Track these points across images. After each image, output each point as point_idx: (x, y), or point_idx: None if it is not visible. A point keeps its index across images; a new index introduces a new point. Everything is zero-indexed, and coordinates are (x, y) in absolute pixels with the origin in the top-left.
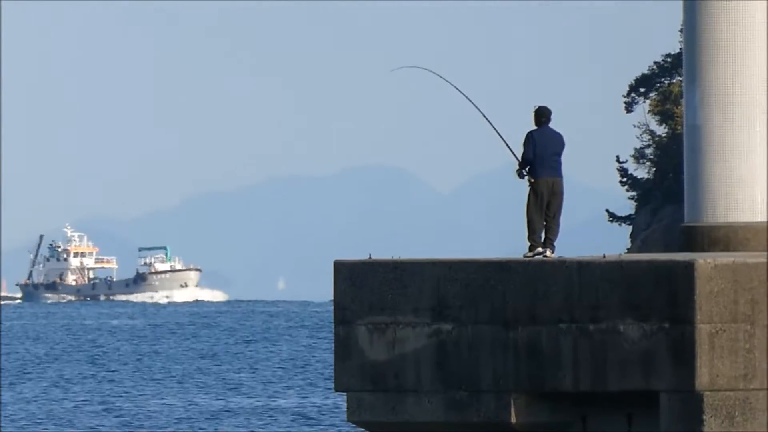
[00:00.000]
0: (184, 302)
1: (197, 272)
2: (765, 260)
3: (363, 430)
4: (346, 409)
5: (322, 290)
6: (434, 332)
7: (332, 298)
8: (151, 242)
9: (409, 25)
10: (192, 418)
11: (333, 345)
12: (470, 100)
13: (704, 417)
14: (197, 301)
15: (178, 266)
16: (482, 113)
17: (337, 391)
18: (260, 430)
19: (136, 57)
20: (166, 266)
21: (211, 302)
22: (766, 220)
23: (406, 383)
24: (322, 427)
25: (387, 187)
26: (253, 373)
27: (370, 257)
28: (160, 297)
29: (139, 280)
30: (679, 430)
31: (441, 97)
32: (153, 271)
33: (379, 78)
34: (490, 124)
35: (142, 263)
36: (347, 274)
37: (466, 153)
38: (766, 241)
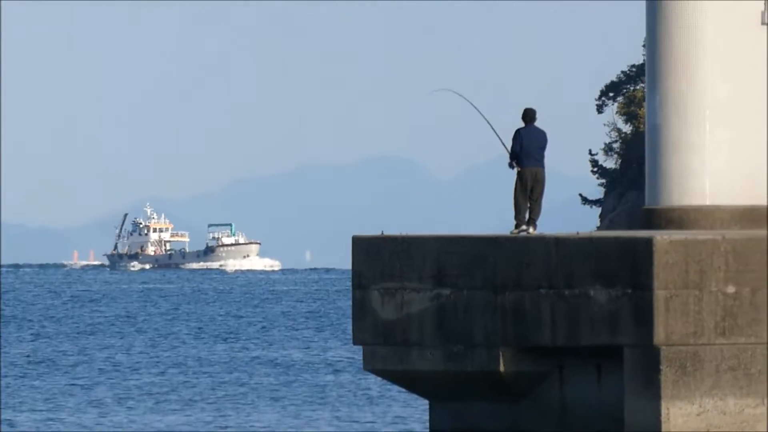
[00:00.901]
0: (249, 270)
1: (257, 245)
2: (711, 237)
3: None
4: (362, 359)
5: (343, 260)
6: (435, 296)
7: (350, 267)
8: (201, 221)
9: (407, 25)
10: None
11: (351, 306)
12: (473, 105)
13: (661, 367)
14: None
15: (241, 240)
16: (483, 116)
17: (355, 344)
18: (294, 377)
19: (159, 55)
20: (231, 240)
21: (268, 270)
22: (712, 204)
23: (411, 338)
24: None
25: (397, 175)
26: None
27: (382, 233)
28: (229, 265)
29: (208, 252)
30: (639, 378)
31: (442, 98)
32: (220, 244)
33: (391, 83)
34: (490, 125)
35: (211, 237)
36: (363, 247)
37: (463, 147)
38: (711, 222)
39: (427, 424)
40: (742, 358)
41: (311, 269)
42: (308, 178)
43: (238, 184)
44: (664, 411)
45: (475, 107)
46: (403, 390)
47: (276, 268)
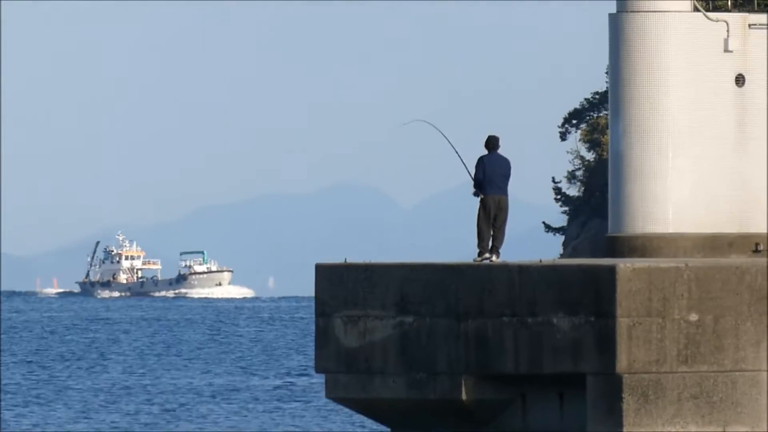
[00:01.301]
0: (220, 298)
1: (230, 273)
2: (674, 265)
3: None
4: (324, 387)
5: (306, 288)
6: (398, 324)
7: (313, 294)
8: (165, 248)
9: (375, 55)
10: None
11: (314, 333)
12: (444, 135)
13: (623, 395)
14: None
15: (214, 268)
16: (452, 145)
17: (317, 372)
18: (253, 406)
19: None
20: (203, 268)
21: (239, 298)
22: (675, 231)
23: (374, 366)
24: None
25: (361, 202)
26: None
27: (345, 261)
28: (200, 294)
29: (180, 280)
30: (602, 406)
31: (408, 127)
32: (192, 272)
33: (353, 110)
34: (457, 154)
35: (183, 265)
36: (326, 274)
37: (426, 175)
38: (674, 249)
39: None
40: (704, 386)
41: (282, 297)
42: (272, 205)
43: (203, 211)
44: None
45: (445, 136)
46: (364, 416)
47: (248, 296)
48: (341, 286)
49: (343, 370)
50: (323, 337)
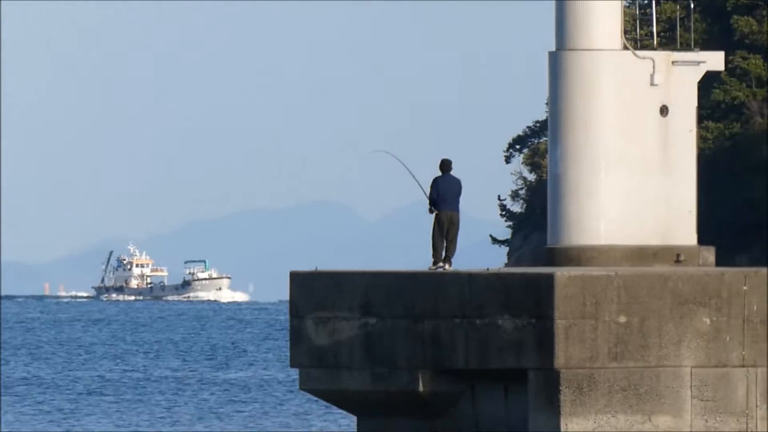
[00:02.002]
0: (217, 301)
1: (228, 279)
2: (605, 273)
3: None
4: (298, 380)
5: (281, 293)
6: (363, 324)
7: (288, 298)
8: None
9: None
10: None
11: (289, 333)
12: (404, 165)
13: (560, 388)
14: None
15: (214, 275)
16: (411, 172)
17: (291, 367)
18: (238, 397)
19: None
20: (205, 275)
21: (236, 302)
22: (606, 243)
23: (341, 362)
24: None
25: (331, 217)
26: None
27: (316, 269)
28: (201, 297)
29: (185, 285)
30: (542, 397)
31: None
32: (195, 278)
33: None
34: (415, 179)
35: (187, 272)
36: (299, 281)
37: (388, 192)
38: (605, 259)
39: None
40: (631, 380)
41: (281, 300)
42: (251, 219)
43: (192, 225)
44: (563, 427)
45: (405, 165)
46: (333, 406)
47: (244, 299)
48: (312, 292)
49: (315, 365)
50: (297, 335)
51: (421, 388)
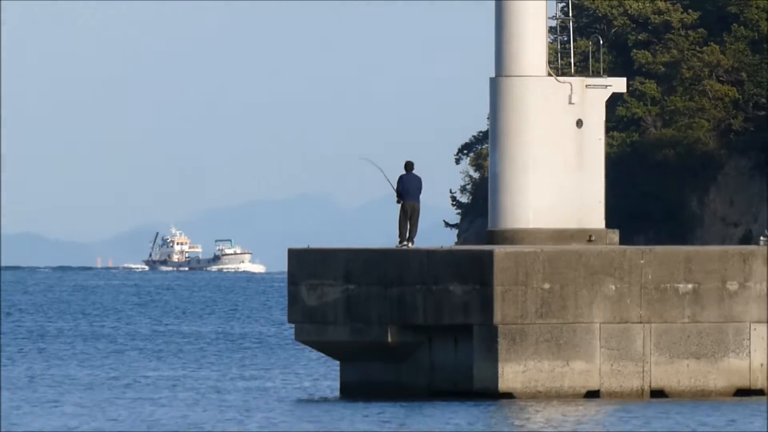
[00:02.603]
0: (244, 271)
1: (249, 254)
2: (533, 250)
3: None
4: (294, 333)
5: (281, 265)
6: (344, 290)
7: (286, 269)
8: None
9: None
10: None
11: (287, 295)
12: (381, 170)
13: (498, 339)
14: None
15: (238, 251)
16: (385, 175)
17: (289, 322)
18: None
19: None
20: (231, 251)
21: (257, 272)
22: (533, 227)
23: (328, 319)
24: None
25: (318, 206)
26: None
27: (308, 246)
28: (228, 269)
29: (215, 259)
30: (483, 347)
31: (354, 150)
32: (224, 253)
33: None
34: (388, 180)
35: (217, 249)
36: (295, 256)
37: (365, 185)
38: (533, 239)
39: (338, 377)
40: (553, 333)
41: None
42: (257, 208)
43: (208, 214)
44: (500, 370)
45: (381, 170)
46: (322, 354)
47: (262, 270)
48: (305, 264)
49: (307, 321)
50: (293, 298)
51: (389, 339)
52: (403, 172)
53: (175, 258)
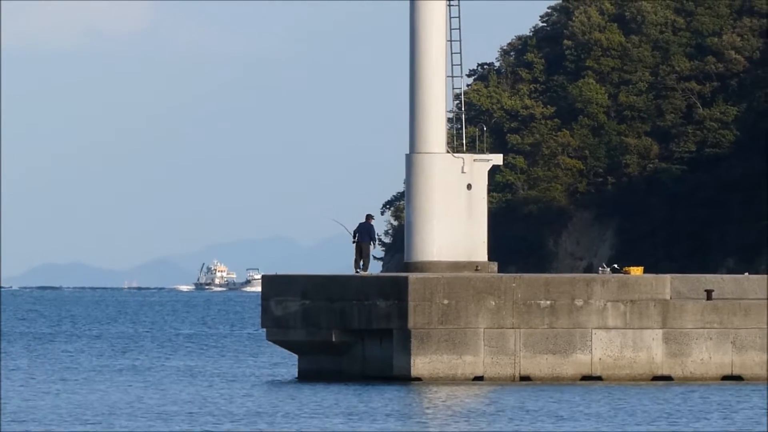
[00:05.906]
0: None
1: None
2: (436, 276)
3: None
4: (265, 335)
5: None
6: (302, 304)
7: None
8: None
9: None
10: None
11: (261, 308)
12: (342, 225)
13: (411, 339)
14: None
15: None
16: (344, 226)
17: (261, 327)
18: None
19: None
20: (258, 276)
21: None
22: (437, 260)
23: (289, 324)
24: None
25: (281, 245)
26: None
27: (276, 273)
28: (257, 291)
29: (246, 283)
30: (401, 345)
31: (312, 194)
32: (253, 278)
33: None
34: (345, 228)
35: (248, 275)
36: (268, 280)
37: (322, 225)
38: (437, 269)
39: (297, 366)
40: (451, 335)
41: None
42: (234, 248)
43: (211, 248)
44: (412, 361)
45: (342, 225)
46: (285, 350)
47: None
48: (275, 285)
49: (275, 326)
50: (265, 310)
51: (334, 339)
52: (362, 219)
53: (217, 281)
